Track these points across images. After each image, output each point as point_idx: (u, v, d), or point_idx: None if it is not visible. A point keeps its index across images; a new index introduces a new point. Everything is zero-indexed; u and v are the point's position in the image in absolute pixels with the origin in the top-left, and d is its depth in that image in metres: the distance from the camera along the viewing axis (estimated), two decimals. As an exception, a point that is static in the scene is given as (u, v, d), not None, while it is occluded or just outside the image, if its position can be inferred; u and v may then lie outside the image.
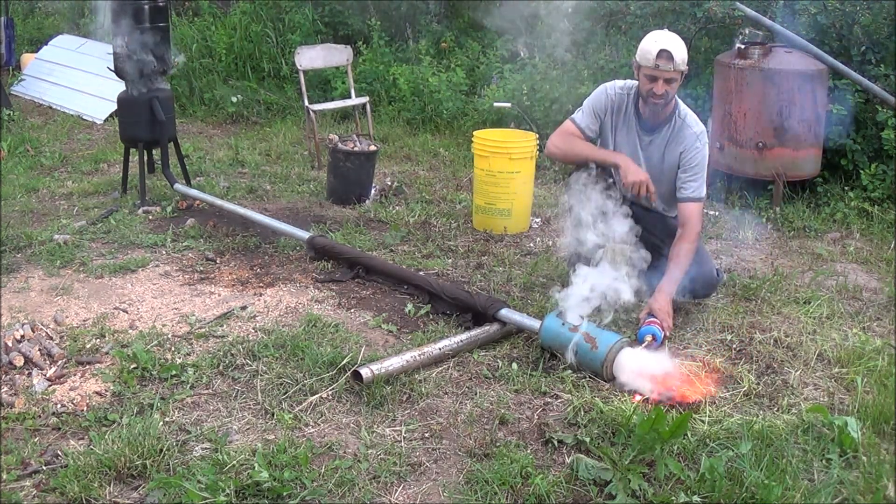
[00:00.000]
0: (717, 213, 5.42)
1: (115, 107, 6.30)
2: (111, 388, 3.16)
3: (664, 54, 3.64)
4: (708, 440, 2.81)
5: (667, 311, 3.61)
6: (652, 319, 3.56)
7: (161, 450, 2.71)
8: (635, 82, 3.83)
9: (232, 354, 3.42)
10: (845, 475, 2.64)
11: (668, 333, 3.56)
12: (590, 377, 3.27)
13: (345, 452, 2.80)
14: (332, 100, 7.52)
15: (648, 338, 3.45)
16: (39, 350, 3.36)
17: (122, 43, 5.27)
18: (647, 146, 3.85)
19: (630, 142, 3.88)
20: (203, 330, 3.67)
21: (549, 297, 3.86)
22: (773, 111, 5.36)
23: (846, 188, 5.54)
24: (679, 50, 3.66)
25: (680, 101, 3.87)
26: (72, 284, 4.13)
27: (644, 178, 3.76)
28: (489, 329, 3.60)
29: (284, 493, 2.53)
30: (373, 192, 5.71)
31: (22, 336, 3.42)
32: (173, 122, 5.66)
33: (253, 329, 3.69)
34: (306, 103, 6.64)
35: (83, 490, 2.53)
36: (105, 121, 8.03)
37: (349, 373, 3.19)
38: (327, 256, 4.49)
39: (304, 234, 4.62)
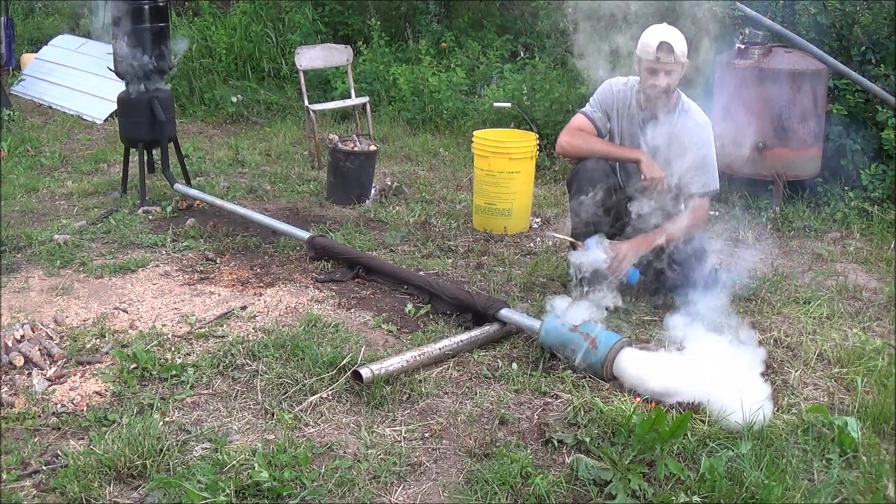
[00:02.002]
0: (716, 213, 5.42)
1: (115, 107, 6.30)
2: (111, 388, 3.16)
3: (664, 46, 3.66)
4: (708, 440, 2.81)
5: (627, 250, 3.70)
6: (607, 242, 3.72)
7: (161, 450, 2.71)
8: (637, 77, 3.84)
9: (232, 354, 3.42)
10: (845, 475, 2.64)
11: (610, 263, 3.68)
12: (590, 377, 3.27)
13: (345, 452, 2.80)
14: (332, 100, 7.52)
15: (580, 243, 3.73)
16: (39, 350, 3.36)
17: (122, 43, 5.27)
18: (651, 140, 3.85)
19: (633, 137, 3.89)
20: (203, 330, 3.67)
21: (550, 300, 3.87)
22: (773, 111, 5.36)
23: (846, 188, 5.54)
24: (679, 42, 3.68)
25: (683, 94, 3.87)
26: (72, 284, 4.13)
27: (663, 174, 3.78)
28: (489, 329, 3.60)
29: (284, 493, 2.53)
30: (373, 192, 5.71)
31: (22, 336, 3.42)
32: (173, 122, 5.66)
33: (253, 329, 3.69)
34: (306, 103, 6.64)
35: (83, 490, 2.53)
36: (105, 121, 8.03)
37: (349, 373, 3.19)
38: (327, 256, 4.49)
39: (304, 234, 4.62)
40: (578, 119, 3.99)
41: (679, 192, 3.84)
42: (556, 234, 4.10)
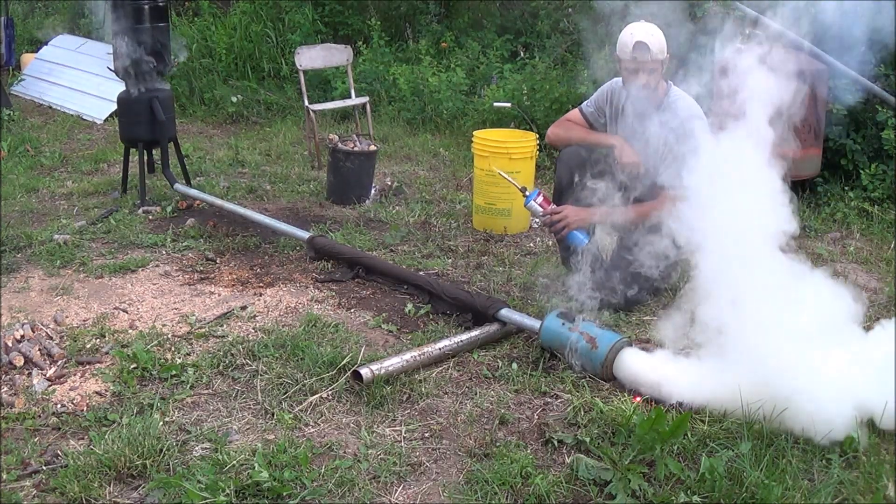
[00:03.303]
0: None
1: (115, 107, 6.31)
2: (111, 388, 3.16)
3: (640, 46, 3.71)
4: (708, 440, 2.81)
5: (570, 212, 3.86)
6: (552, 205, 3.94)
7: (161, 450, 2.71)
8: None
9: (232, 354, 3.42)
10: (845, 475, 2.64)
11: (548, 216, 3.93)
12: (590, 377, 3.27)
13: (345, 452, 2.80)
14: (332, 100, 7.52)
15: (525, 190, 3.99)
16: (39, 350, 3.36)
17: (122, 43, 5.27)
18: (641, 135, 3.90)
19: (624, 130, 3.96)
20: (203, 330, 3.67)
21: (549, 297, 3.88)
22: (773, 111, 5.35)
23: (846, 188, 5.54)
24: (655, 39, 3.72)
25: (674, 87, 3.89)
26: (72, 284, 4.13)
27: (637, 159, 3.85)
28: (489, 329, 3.60)
29: (284, 493, 2.53)
30: (373, 192, 5.71)
31: (22, 336, 3.43)
32: (173, 122, 5.66)
33: (253, 329, 3.69)
34: (306, 103, 6.64)
35: (83, 490, 2.53)
36: (105, 121, 8.03)
37: (349, 373, 3.20)
38: (327, 256, 4.49)
39: (304, 234, 4.62)
40: (571, 112, 4.22)
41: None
42: (504, 174, 4.25)
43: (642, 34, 3.72)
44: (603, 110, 4.08)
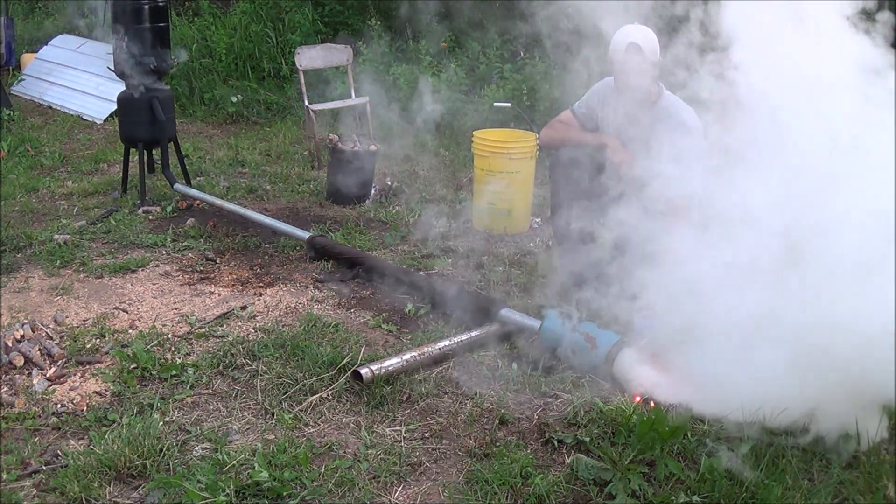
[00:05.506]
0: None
1: (115, 107, 6.31)
2: (111, 388, 3.16)
3: (633, 47, 3.71)
4: (708, 440, 2.81)
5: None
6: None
7: (161, 450, 2.71)
8: None
9: (232, 354, 3.42)
10: (845, 475, 2.64)
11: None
12: (590, 377, 3.27)
13: (345, 452, 2.80)
14: (332, 100, 7.52)
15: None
16: (39, 350, 3.36)
17: (122, 43, 5.27)
18: (632, 137, 3.89)
19: (616, 132, 3.97)
20: (203, 330, 3.67)
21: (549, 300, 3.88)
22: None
23: (846, 188, 5.53)
24: (648, 41, 3.72)
25: (665, 90, 3.88)
26: (72, 284, 4.13)
27: (629, 157, 3.83)
28: (489, 329, 3.60)
29: (284, 493, 2.53)
30: (373, 192, 5.71)
31: (22, 336, 3.43)
32: (173, 122, 5.66)
33: (253, 329, 3.70)
34: (306, 103, 6.64)
35: (83, 490, 2.53)
36: (105, 121, 8.03)
37: (349, 373, 3.20)
38: (327, 256, 4.49)
39: (304, 234, 4.62)
40: (562, 113, 4.19)
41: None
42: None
43: (635, 36, 3.72)
44: (594, 111, 4.06)
